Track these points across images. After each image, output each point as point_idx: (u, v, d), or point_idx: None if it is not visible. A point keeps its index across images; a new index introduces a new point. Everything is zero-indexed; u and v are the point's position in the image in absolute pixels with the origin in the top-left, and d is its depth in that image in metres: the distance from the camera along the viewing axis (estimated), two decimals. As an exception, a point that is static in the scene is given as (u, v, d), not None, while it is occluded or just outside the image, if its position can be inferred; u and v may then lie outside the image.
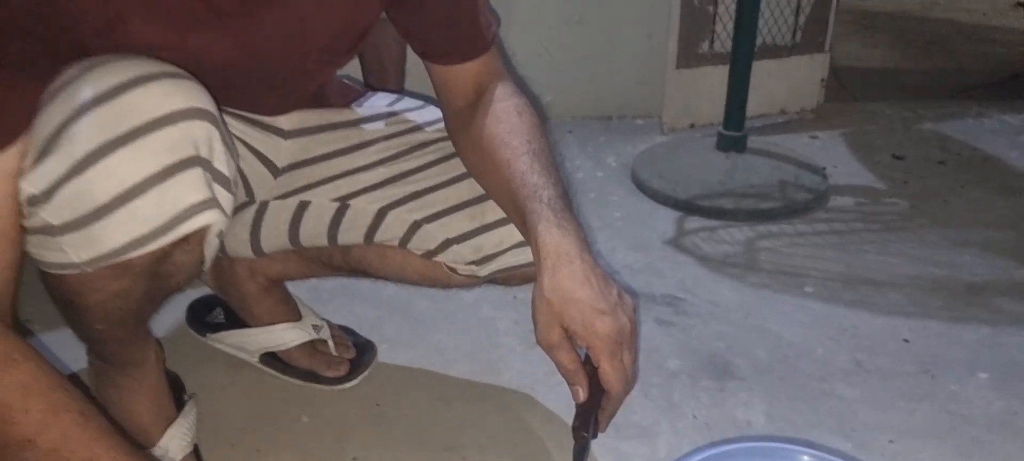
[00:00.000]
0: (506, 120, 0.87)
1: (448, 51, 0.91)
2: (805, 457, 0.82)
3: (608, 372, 0.77)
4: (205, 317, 1.20)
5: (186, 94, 0.70)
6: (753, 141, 1.86)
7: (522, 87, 0.95)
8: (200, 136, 0.70)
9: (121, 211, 0.67)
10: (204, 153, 0.71)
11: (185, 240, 0.72)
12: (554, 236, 0.77)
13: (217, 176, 0.73)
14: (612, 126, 2.11)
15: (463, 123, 0.92)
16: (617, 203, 1.71)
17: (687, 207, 1.65)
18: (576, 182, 1.80)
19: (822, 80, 2.15)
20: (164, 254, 0.72)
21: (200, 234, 0.73)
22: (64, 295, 0.75)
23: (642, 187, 1.75)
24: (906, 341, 1.27)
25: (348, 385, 1.16)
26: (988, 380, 1.19)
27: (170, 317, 1.24)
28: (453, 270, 0.99)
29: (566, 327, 0.77)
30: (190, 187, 0.70)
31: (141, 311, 0.82)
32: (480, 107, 0.90)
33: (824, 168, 1.82)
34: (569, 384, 0.80)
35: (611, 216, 1.66)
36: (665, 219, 1.64)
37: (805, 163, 1.81)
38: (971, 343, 1.27)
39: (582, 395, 0.79)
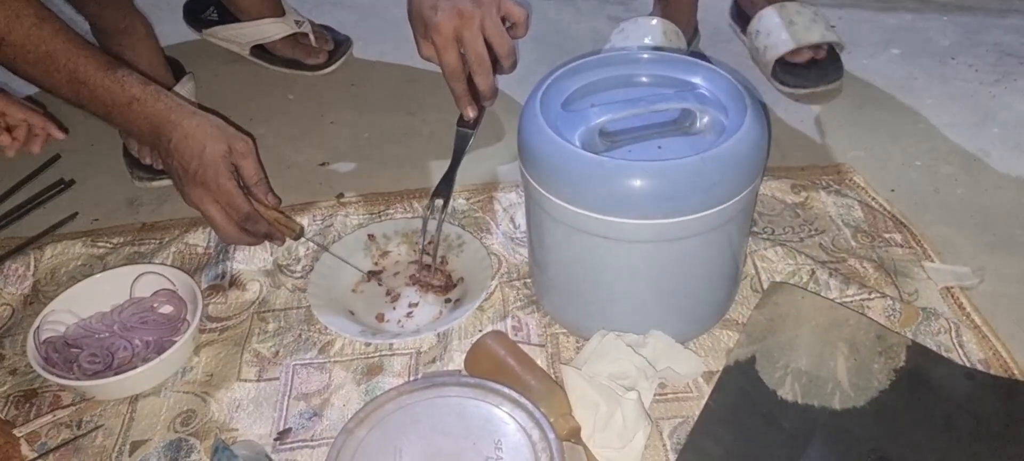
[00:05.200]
0: None
1: None
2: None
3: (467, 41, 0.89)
4: (200, 14, 1.36)
5: None
6: None
7: None
8: None
9: None
10: None
11: None
12: None
13: None
14: None
15: None
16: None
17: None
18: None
19: None
20: None
21: None
22: None
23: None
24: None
25: (327, 71, 1.33)
26: (899, 54, 1.33)
27: (169, 23, 1.39)
28: None
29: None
30: None
31: None
32: None
33: None
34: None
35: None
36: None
37: None
38: (891, 27, 1.40)
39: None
